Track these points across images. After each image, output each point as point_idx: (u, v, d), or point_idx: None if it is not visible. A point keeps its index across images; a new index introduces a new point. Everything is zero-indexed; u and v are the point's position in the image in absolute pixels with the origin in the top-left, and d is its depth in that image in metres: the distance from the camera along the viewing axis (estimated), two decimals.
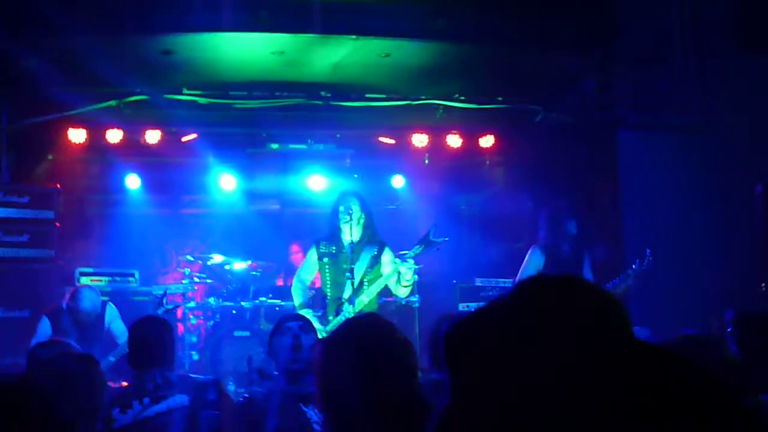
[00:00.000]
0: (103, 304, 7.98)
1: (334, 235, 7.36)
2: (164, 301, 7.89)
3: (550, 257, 7.71)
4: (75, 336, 7.41)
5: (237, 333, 9.08)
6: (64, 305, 7.68)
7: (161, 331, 4.96)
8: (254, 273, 9.72)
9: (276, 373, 4.89)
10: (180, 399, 4.65)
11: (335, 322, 7.08)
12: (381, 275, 7.22)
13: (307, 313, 7.02)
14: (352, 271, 7.14)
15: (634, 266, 7.47)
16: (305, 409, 4.60)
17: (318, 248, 7.43)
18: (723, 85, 8.50)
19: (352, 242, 7.21)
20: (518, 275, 7.82)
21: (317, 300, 7.58)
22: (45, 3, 7.26)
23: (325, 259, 7.36)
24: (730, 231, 8.59)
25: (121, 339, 7.69)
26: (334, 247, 7.35)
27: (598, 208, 9.12)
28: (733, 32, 8.15)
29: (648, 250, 7.37)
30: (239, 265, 9.69)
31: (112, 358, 7.48)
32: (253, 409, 4.49)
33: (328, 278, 7.32)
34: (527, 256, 7.85)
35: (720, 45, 8.34)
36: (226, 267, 9.70)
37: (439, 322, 4.82)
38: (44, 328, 7.58)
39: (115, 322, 7.91)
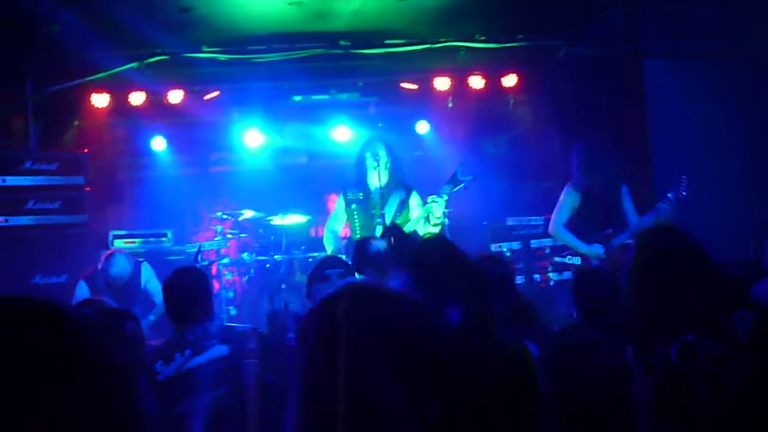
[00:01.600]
0: (138, 264, 8.05)
1: (361, 181, 7.38)
2: (199, 257, 7.95)
3: (586, 195, 7.61)
4: (111, 297, 7.50)
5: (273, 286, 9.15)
6: (99, 268, 7.77)
7: (197, 281, 4.96)
8: (285, 226, 9.76)
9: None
10: (220, 349, 4.69)
11: None
12: (410, 219, 7.24)
13: None
14: (383, 216, 7.15)
15: (669, 195, 7.30)
16: None
17: (345, 196, 7.45)
18: (748, 8, 8.36)
19: (379, 187, 7.22)
20: (554, 214, 7.76)
21: (349, 248, 7.61)
22: None
23: (353, 206, 7.38)
24: (762, 156, 8.50)
25: (158, 298, 7.76)
26: (361, 194, 7.37)
27: (627, 140, 9.03)
28: None
29: (684, 176, 7.21)
30: (271, 220, 9.74)
31: (152, 317, 7.57)
32: (288, 358, 4.54)
33: (357, 224, 7.35)
34: (562, 195, 7.75)
35: None
36: (258, 222, 9.75)
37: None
38: (82, 292, 7.67)
39: (152, 282, 7.98)
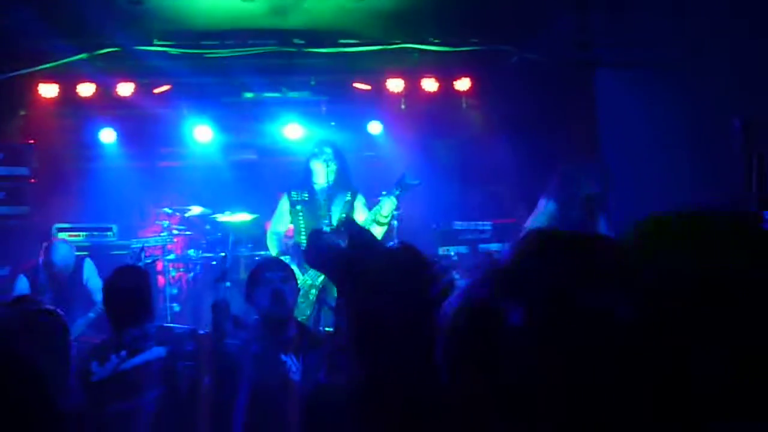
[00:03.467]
0: (80, 260, 7.95)
1: (307, 182, 7.37)
2: (142, 255, 7.87)
3: (562, 215, 7.67)
4: (51, 292, 7.39)
5: (218, 284, 9.06)
6: (40, 262, 7.65)
7: (137, 282, 4.91)
8: (233, 223, 9.69)
9: (253, 320, 4.91)
10: (157, 351, 4.65)
11: (313, 270, 7.09)
12: (355, 220, 7.23)
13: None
14: (329, 217, 7.14)
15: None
16: (285, 359, 4.61)
17: (290, 196, 7.42)
18: (703, 19, 8.43)
19: (325, 188, 7.22)
20: (529, 220, 7.79)
21: (292, 249, 7.57)
22: None
23: (298, 207, 7.36)
24: (709, 167, 8.58)
25: (98, 296, 7.68)
26: (306, 194, 7.35)
27: (576, 148, 9.09)
28: None
29: None
30: (218, 217, 9.66)
31: (92, 315, 7.48)
32: (226, 363, 4.51)
33: (302, 225, 7.32)
34: (541, 206, 7.79)
35: None
36: (205, 218, 9.67)
37: None
38: (21, 286, 7.56)
39: (93, 279, 7.89)
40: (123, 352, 4.58)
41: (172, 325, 5.68)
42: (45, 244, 7.85)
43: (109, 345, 4.70)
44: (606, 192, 7.72)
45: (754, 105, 8.25)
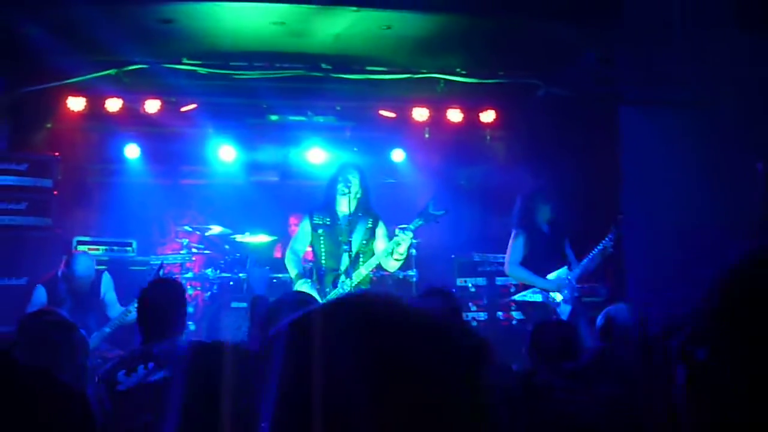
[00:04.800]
0: (99, 273, 7.99)
1: (329, 206, 7.34)
2: (161, 272, 7.89)
3: (532, 235, 7.86)
4: (70, 304, 7.42)
5: (234, 304, 9.08)
6: (59, 273, 7.68)
7: (172, 296, 4.91)
8: (251, 244, 9.71)
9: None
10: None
11: (333, 294, 7.08)
12: (374, 248, 7.24)
13: (305, 284, 7.03)
14: (349, 243, 7.12)
15: (607, 238, 7.68)
16: None
17: (312, 219, 7.40)
18: (725, 60, 8.42)
19: (347, 214, 7.20)
20: (507, 256, 7.95)
21: (311, 271, 7.56)
22: None
23: (320, 230, 7.32)
24: (730, 208, 8.54)
25: (112, 310, 7.73)
26: (328, 219, 7.33)
27: (598, 183, 9.07)
28: (734, 10, 8.08)
29: (620, 216, 7.58)
30: (238, 237, 9.69)
31: (107, 329, 7.50)
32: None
33: (322, 249, 7.29)
34: (511, 239, 7.97)
35: (722, 20, 8.27)
36: (225, 238, 9.70)
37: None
38: (39, 297, 7.59)
39: (110, 293, 7.93)
40: (151, 364, 4.58)
41: (201, 340, 5.64)
42: (67, 256, 7.88)
43: (138, 356, 4.71)
44: (562, 214, 7.95)
45: None
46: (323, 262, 7.26)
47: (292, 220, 10.21)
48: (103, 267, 8.33)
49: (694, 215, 8.47)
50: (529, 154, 10.20)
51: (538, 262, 7.77)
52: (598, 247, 7.73)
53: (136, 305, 7.36)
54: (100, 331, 7.46)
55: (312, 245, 7.42)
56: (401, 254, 7.12)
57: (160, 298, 4.84)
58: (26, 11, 7.81)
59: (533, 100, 9.78)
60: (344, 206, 7.24)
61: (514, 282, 9.10)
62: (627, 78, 8.81)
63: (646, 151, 8.73)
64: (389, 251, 7.10)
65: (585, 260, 7.79)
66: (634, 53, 8.61)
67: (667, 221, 8.12)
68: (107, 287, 7.95)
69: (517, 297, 8.22)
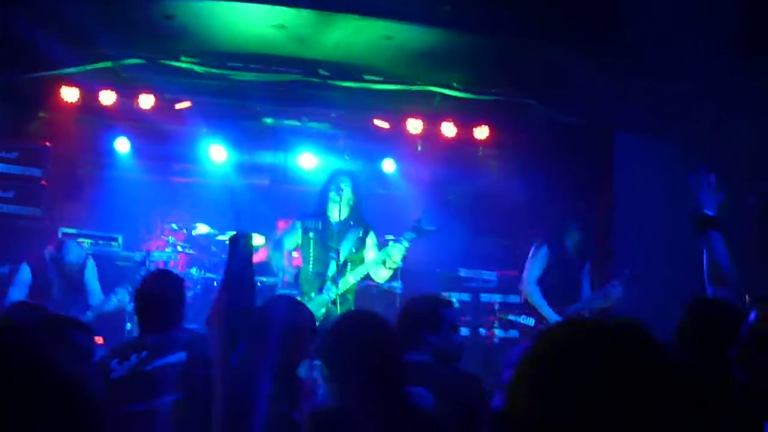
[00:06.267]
0: (86, 257, 7.97)
1: (321, 212, 7.35)
2: (147, 262, 7.85)
3: (557, 256, 7.81)
4: (58, 285, 7.39)
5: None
6: (47, 256, 7.63)
7: (171, 289, 4.90)
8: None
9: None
10: (178, 356, 4.63)
11: (318, 300, 7.06)
12: (364, 257, 7.23)
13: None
14: (338, 251, 7.11)
15: (614, 285, 7.58)
16: None
17: (303, 222, 7.39)
18: (724, 97, 8.46)
19: (338, 222, 7.20)
20: (526, 271, 7.89)
21: (296, 277, 7.54)
22: None
23: (310, 234, 7.33)
24: None
25: (93, 298, 7.69)
26: (320, 224, 7.33)
27: (589, 208, 9.09)
28: (740, 45, 8.12)
29: (627, 271, 7.49)
30: (224, 238, 9.62)
31: (90, 314, 7.45)
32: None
33: (311, 253, 7.29)
34: (534, 252, 7.91)
35: (725, 57, 8.31)
36: (211, 238, 9.64)
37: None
38: (24, 276, 7.54)
39: (92, 281, 7.89)
40: (144, 353, 4.56)
41: (195, 329, 5.60)
42: (58, 240, 7.85)
43: (132, 345, 4.72)
44: (588, 248, 7.91)
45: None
46: (310, 265, 7.26)
47: (281, 224, 10.17)
48: (89, 253, 8.28)
49: (685, 247, 8.49)
50: (521, 173, 10.21)
51: (553, 282, 7.71)
52: (608, 288, 7.63)
53: (117, 294, 7.38)
54: (85, 316, 7.42)
55: (301, 248, 7.41)
56: (395, 263, 7.12)
57: (159, 290, 4.84)
58: (25, 2, 7.77)
59: (528, 119, 9.80)
60: (336, 213, 7.24)
61: (499, 300, 9.10)
62: (625, 105, 8.84)
63: (640, 179, 8.76)
64: (381, 260, 7.09)
65: (591, 294, 7.74)
66: (634, 83, 8.64)
67: (656, 252, 8.14)
68: (90, 274, 7.91)
69: (511, 317, 8.20)
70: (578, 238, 7.90)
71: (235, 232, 4.85)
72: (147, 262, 8.25)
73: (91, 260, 8.06)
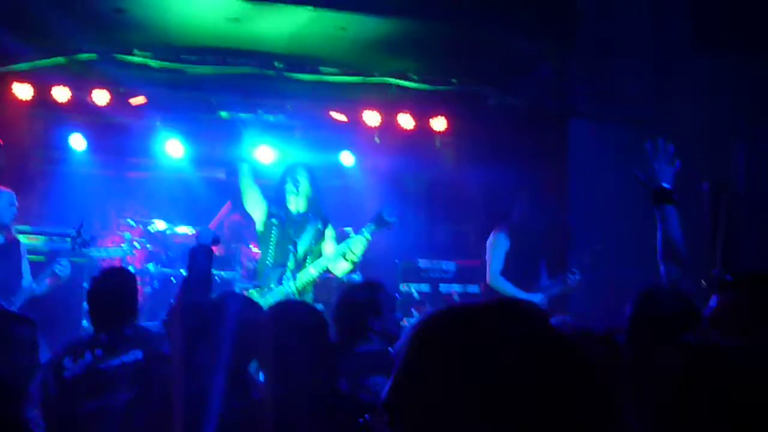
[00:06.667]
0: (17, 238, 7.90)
1: (281, 204, 7.33)
2: (81, 231, 7.74)
3: (516, 240, 7.86)
4: None
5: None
6: None
7: (123, 285, 4.87)
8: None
9: None
10: (134, 354, 4.60)
11: (277, 291, 7.04)
12: (322, 250, 7.22)
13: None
14: (295, 244, 7.10)
15: (572, 272, 7.64)
16: None
17: (269, 206, 7.39)
18: (676, 80, 8.54)
19: (296, 213, 7.19)
20: (489, 264, 7.94)
21: (252, 273, 7.53)
22: None
23: (274, 220, 7.30)
24: None
25: (24, 280, 7.57)
26: (283, 213, 7.32)
27: (545, 195, 9.13)
28: (691, 31, 8.19)
29: (586, 258, 7.55)
30: (178, 229, 9.58)
31: (15, 300, 7.33)
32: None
33: (273, 241, 7.26)
34: (493, 242, 7.96)
35: (677, 41, 8.38)
36: (168, 233, 9.57)
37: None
38: None
39: (24, 261, 7.80)
40: (99, 351, 4.53)
41: (150, 327, 5.57)
42: None
43: (85, 342, 4.68)
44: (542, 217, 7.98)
45: (721, 169, 8.35)
46: (270, 256, 7.24)
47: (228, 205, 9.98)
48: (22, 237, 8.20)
49: (640, 231, 8.56)
50: (478, 162, 10.21)
51: (515, 269, 7.78)
52: (561, 279, 7.74)
53: (47, 279, 7.25)
54: (7, 301, 7.29)
55: (261, 238, 7.39)
56: (355, 255, 7.11)
57: (111, 286, 4.80)
58: None
59: (485, 108, 9.81)
60: (293, 206, 7.23)
61: (458, 290, 9.13)
62: (580, 91, 8.88)
63: (595, 165, 8.81)
64: (341, 253, 7.08)
65: (546, 285, 7.80)
66: (588, 68, 8.69)
67: (613, 237, 8.20)
68: (23, 252, 7.83)
69: None
70: (528, 210, 7.97)
71: (194, 245, 4.86)
72: (82, 226, 8.09)
73: (23, 239, 8.02)
